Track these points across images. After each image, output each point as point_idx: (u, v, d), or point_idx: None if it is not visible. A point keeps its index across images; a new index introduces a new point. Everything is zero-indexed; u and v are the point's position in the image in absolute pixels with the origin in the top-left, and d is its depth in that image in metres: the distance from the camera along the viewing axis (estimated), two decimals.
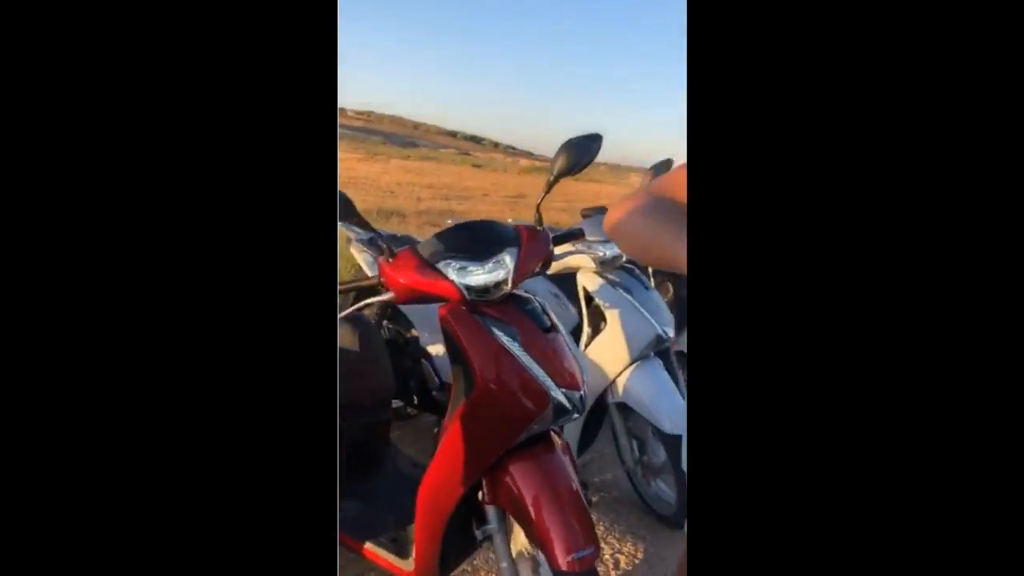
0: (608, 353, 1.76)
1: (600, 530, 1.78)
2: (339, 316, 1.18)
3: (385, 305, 1.93)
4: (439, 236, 1.15)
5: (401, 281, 1.10)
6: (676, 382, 1.91)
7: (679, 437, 1.62)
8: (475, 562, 1.54)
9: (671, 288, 2.43)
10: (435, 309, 1.14)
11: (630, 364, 1.75)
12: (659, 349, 1.81)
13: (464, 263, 1.08)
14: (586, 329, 1.86)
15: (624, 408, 1.78)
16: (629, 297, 1.78)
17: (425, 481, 1.14)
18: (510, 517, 1.13)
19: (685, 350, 2.10)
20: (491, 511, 1.11)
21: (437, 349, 1.89)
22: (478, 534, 1.15)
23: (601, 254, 1.80)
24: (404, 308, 1.93)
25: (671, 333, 1.81)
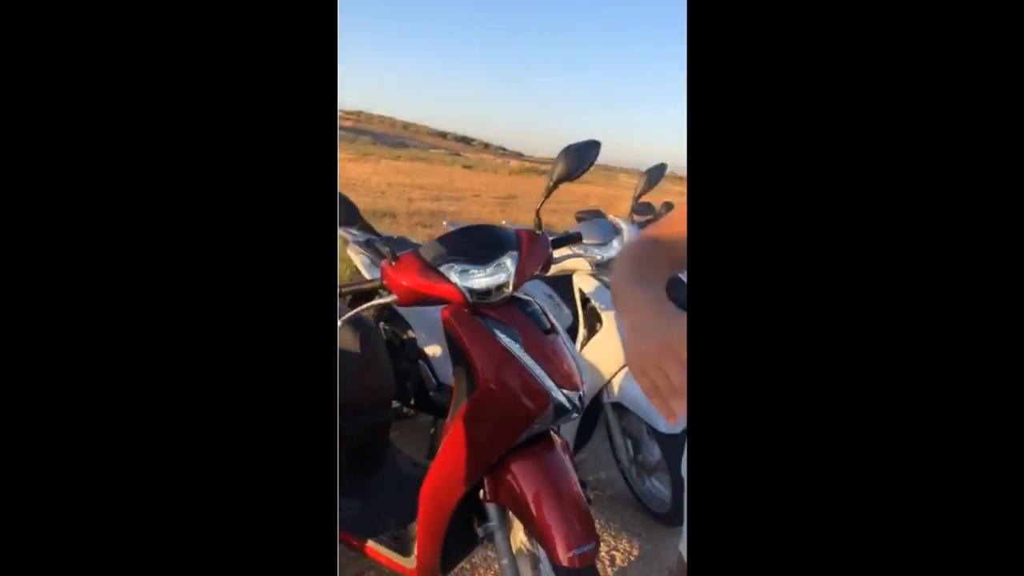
0: (604, 354, 1.79)
1: (596, 527, 1.80)
2: (342, 318, 1.20)
3: (383, 307, 1.96)
4: (441, 240, 1.17)
5: (404, 284, 1.12)
6: None
7: (673, 436, 1.65)
8: (473, 560, 1.56)
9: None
10: (432, 311, 1.16)
11: (625, 365, 1.78)
12: None
13: (466, 266, 1.10)
14: (582, 330, 1.89)
15: (619, 408, 1.81)
16: None
17: (428, 480, 1.16)
18: (510, 515, 1.16)
19: None
20: (492, 509, 1.14)
21: (434, 350, 1.91)
22: (479, 532, 1.17)
23: (597, 257, 1.83)
24: (401, 309, 1.95)
25: None
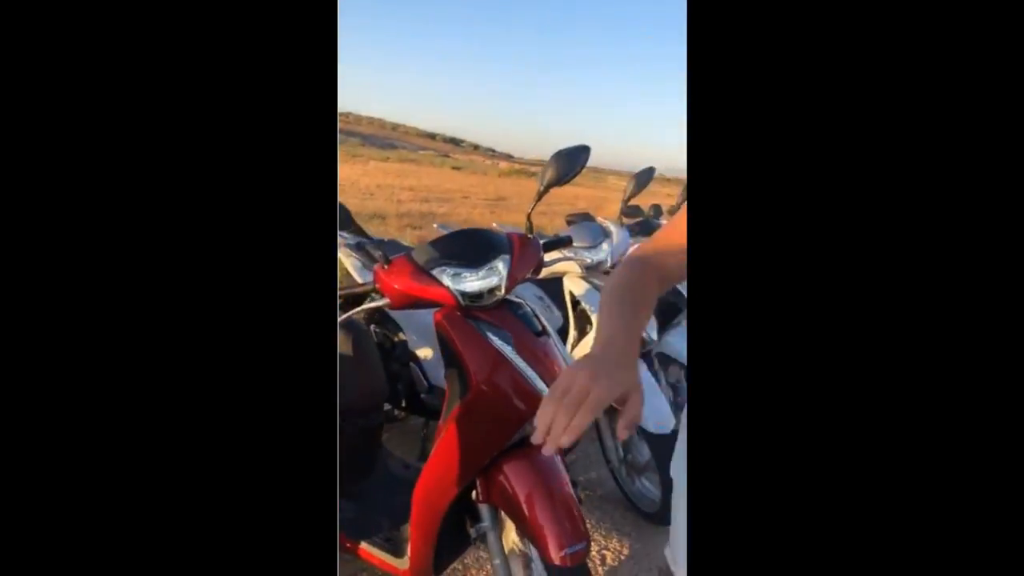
0: None
1: (587, 527, 1.82)
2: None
3: (374, 309, 1.97)
4: (433, 243, 1.19)
5: (397, 287, 1.13)
6: (658, 383, 1.97)
7: (663, 437, 1.68)
8: (466, 560, 1.57)
9: None
10: (423, 313, 1.17)
11: None
12: (641, 351, 1.87)
13: (459, 270, 1.12)
14: (572, 332, 1.91)
15: (608, 408, 1.83)
16: None
17: (421, 481, 1.17)
18: (503, 515, 1.17)
19: (666, 352, 2.17)
20: (485, 509, 1.15)
21: (425, 352, 1.91)
22: (472, 532, 1.18)
23: (587, 260, 1.86)
24: (392, 312, 1.96)
25: (653, 336, 1.87)
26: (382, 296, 1.15)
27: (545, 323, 1.19)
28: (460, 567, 1.56)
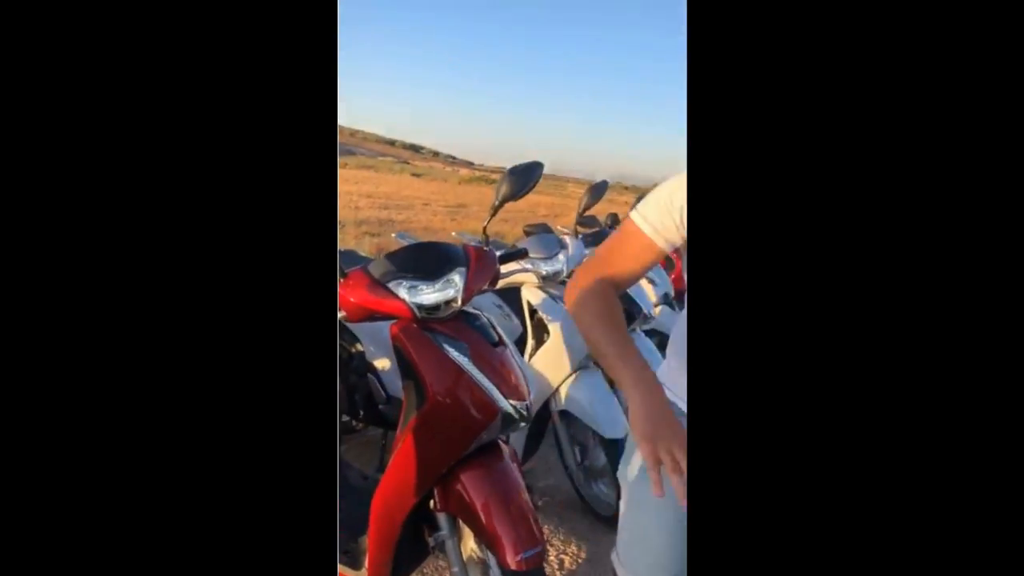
0: (551, 363, 1.85)
1: (545, 533, 1.85)
2: None
3: None
4: (389, 256, 1.20)
5: (352, 300, 1.14)
6: (614, 389, 2.03)
7: (617, 441, 1.73)
8: (425, 571, 1.58)
9: None
10: (381, 325, 1.18)
11: (572, 374, 1.84)
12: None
13: (415, 282, 1.14)
14: (530, 341, 1.94)
15: (567, 415, 1.87)
16: None
17: (379, 492, 1.18)
18: (461, 524, 1.19)
19: None
20: (443, 518, 1.17)
21: (383, 363, 1.91)
22: (430, 541, 1.20)
23: (544, 271, 1.90)
24: (349, 324, 1.95)
25: None
26: (339, 309, 1.15)
27: (502, 333, 1.22)
28: None
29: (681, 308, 0.83)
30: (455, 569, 1.18)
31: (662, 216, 0.75)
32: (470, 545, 1.26)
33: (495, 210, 1.29)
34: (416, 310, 1.13)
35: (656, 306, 2.50)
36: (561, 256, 1.95)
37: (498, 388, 1.11)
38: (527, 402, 1.16)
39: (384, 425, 1.84)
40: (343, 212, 8.94)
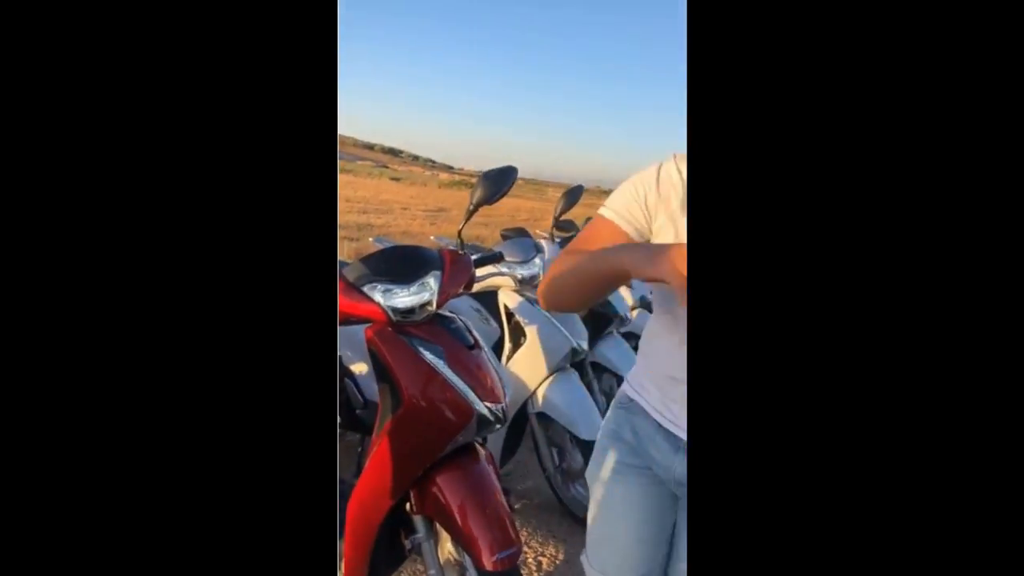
0: (528, 366, 1.87)
1: (524, 535, 1.86)
2: None
3: None
4: (364, 260, 1.21)
5: None
6: (592, 391, 2.05)
7: (594, 443, 1.75)
8: (403, 574, 1.58)
9: None
10: (357, 329, 1.19)
11: (548, 376, 1.86)
12: (575, 361, 1.94)
13: (390, 286, 1.14)
14: (507, 344, 1.96)
15: (544, 417, 1.89)
16: (546, 314, 1.89)
17: (355, 495, 1.18)
18: (437, 526, 1.19)
19: (599, 361, 2.26)
20: (419, 521, 1.17)
21: (359, 368, 1.91)
22: (407, 544, 1.20)
23: (520, 274, 1.92)
24: None
25: (585, 346, 1.94)
26: None
27: (477, 336, 1.23)
28: None
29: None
30: (432, 572, 1.18)
31: (628, 203, 0.77)
32: (447, 548, 1.26)
33: (470, 214, 1.30)
34: (391, 313, 1.13)
35: (633, 309, 2.53)
36: (537, 260, 1.97)
37: (473, 390, 1.12)
38: (502, 404, 1.17)
39: (361, 430, 1.84)
40: None
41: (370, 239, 2.33)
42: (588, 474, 0.90)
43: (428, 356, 1.11)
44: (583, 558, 0.89)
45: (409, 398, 1.10)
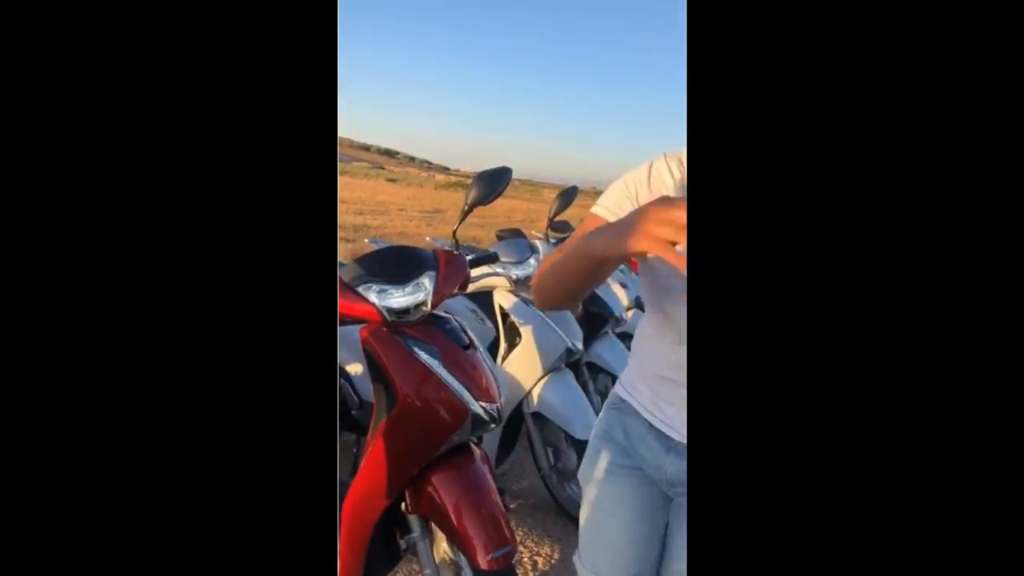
0: (523, 366, 1.87)
1: (519, 534, 1.87)
2: None
3: None
4: (359, 260, 1.21)
5: None
6: (587, 391, 2.06)
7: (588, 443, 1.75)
8: (399, 575, 1.58)
9: (580, 304, 2.60)
10: (352, 329, 1.19)
11: (544, 376, 1.87)
12: (570, 361, 1.95)
13: (385, 286, 1.15)
14: (502, 344, 1.96)
15: (539, 417, 1.89)
16: (541, 314, 1.90)
17: (350, 495, 1.18)
18: (433, 526, 1.20)
19: (594, 361, 2.27)
20: (414, 520, 1.17)
21: (355, 368, 1.91)
22: (402, 544, 1.20)
23: (515, 275, 1.92)
24: None
25: (580, 346, 1.95)
26: None
27: (472, 336, 1.23)
28: None
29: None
30: (427, 571, 1.18)
31: (620, 200, 0.77)
32: (443, 548, 1.27)
33: (464, 214, 1.31)
34: (386, 314, 1.14)
35: (628, 309, 2.54)
36: (532, 260, 1.97)
37: (468, 390, 1.12)
38: (497, 404, 1.17)
39: (356, 430, 1.84)
40: None
41: (366, 240, 2.34)
42: (580, 475, 0.90)
43: (423, 356, 1.12)
44: (575, 558, 0.89)
45: (404, 398, 1.10)
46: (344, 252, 5.59)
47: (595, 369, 2.28)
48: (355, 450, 1.85)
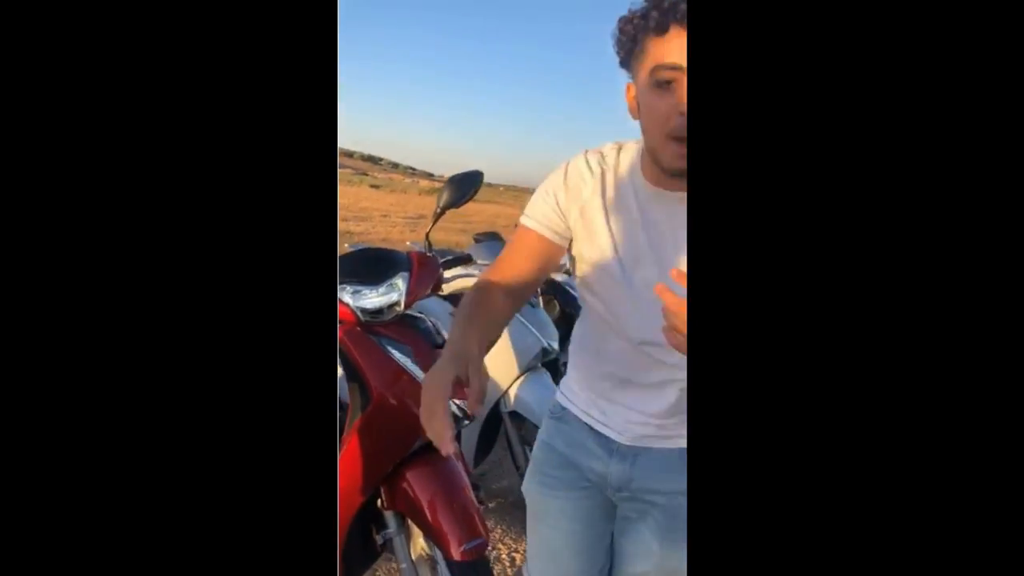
0: (500, 366, 1.90)
1: (498, 532, 1.90)
2: None
3: None
4: None
5: None
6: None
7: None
8: (377, 573, 1.60)
9: (557, 305, 2.64)
10: None
11: (520, 375, 1.90)
12: (546, 361, 1.99)
13: (358, 287, 1.18)
14: None
15: (516, 416, 1.92)
16: (517, 314, 1.94)
17: None
18: (409, 521, 1.22)
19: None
20: (390, 516, 1.20)
21: None
22: (378, 539, 1.23)
23: None
24: None
25: (556, 346, 1.99)
26: None
27: (446, 335, 1.26)
28: None
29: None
30: (403, 566, 1.21)
31: (542, 208, 0.78)
32: (419, 543, 1.29)
33: (436, 217, 1.34)
34: (360, 314, 1.17)
35: None
36: None
37: None
38: None
39: None
40: None
41: (346, 245, 2.36)
42: (524, 487, 0.90)
43: (396, 355, 1.15)
44: (523, 569, 0.91)
45: (378, 396, 1.13)
46: None
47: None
48: None
